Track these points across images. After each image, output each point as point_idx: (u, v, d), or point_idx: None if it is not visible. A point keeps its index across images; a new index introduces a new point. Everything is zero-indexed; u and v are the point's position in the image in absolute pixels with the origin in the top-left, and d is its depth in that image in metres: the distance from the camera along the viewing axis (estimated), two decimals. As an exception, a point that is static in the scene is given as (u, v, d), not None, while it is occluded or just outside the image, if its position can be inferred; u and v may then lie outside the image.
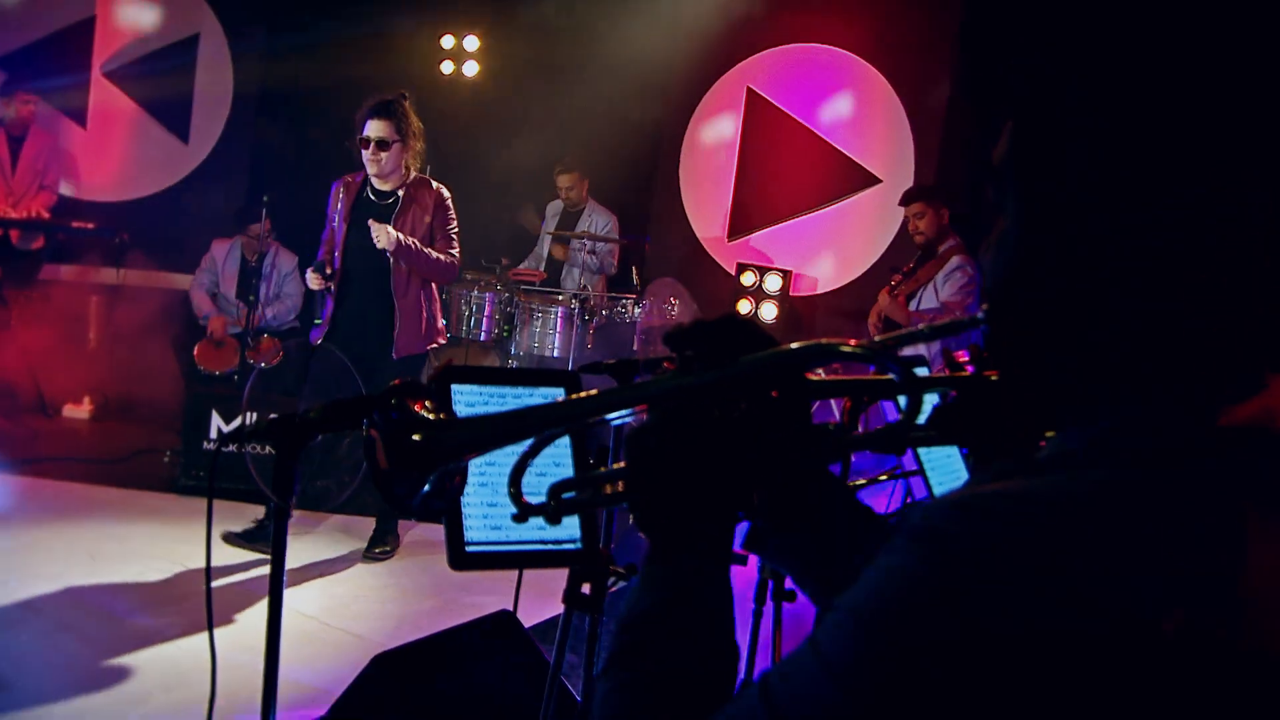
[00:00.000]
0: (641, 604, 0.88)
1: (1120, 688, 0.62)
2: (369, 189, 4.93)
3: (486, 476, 1.68)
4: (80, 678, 3.44)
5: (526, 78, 8.44)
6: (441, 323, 5.18)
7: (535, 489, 0.99)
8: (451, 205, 5.05)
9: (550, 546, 1.73)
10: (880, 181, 7.48)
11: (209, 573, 1.92)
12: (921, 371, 1.64)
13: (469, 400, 1.69)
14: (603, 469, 1.08)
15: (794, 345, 0.89)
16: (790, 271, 7.40)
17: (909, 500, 3.15)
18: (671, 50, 8.13)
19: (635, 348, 6.74)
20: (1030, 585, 0.64)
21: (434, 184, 5.03)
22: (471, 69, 8.78)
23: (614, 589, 1.92)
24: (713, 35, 7.89)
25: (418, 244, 4.84)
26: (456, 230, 5.06)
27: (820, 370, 0.99)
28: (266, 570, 1.70)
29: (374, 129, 4.76)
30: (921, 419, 1.05)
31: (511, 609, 2.72)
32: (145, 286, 7.94)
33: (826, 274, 7.74)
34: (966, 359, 1.20)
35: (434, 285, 5.10)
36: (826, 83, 7.69)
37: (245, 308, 6.83)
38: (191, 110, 8.57)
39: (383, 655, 2.59)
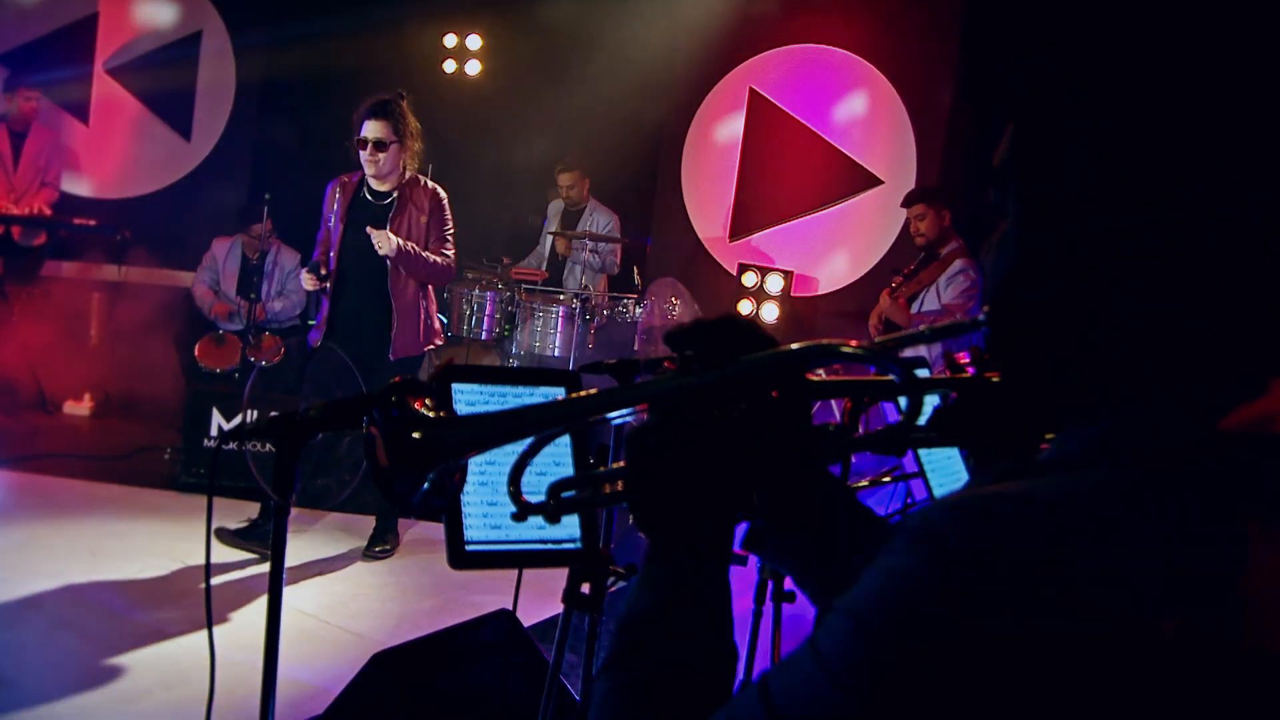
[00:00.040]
0: (641, 604, 0.88)
1: (1121, 688, 0.62)
2: (366, 189, 4.91)
3: (487, 475, 1.68)
4: (80, 674, 3.44)
5: (529, 77, 8.44)
6: (438, 324, 5.17)
7: (535, 488, 0.99)
8: (448, 205, 5.02)
9: (550, 546, 1.73)
10: (882, 183, 7.48)
11: (209, 570, 1.92)
12: (922, 373, 1.64)
13: (469, 399, 1.69)
14: (602, 468, 1.08)
15: (794, 346, 0.89)
16: (792, 272, 7.39)
17: (909, 502, 3.15)
18: (674, 50, 8.14)
19: (636, 347, 6.74)
20: (1030, 586, 0.64)
21: (429, 184, 5.01)
22: (474, 68, 8.78)
23: (613, 589, 1.92)
24: (715, 35, 7.89)
25: (416, 248, 4.83)
26: (452, 231, 5.03)
27: (821, 371, 0.99)
28: (266, 568, 1.70)
29: (371, 129, 4.74)
30: (922, 420, 1.05)
31: (511, 608, 2.73)
32: (147, 284, 7.95)
33: (828, 275, 7.74)
34: (967, 360, 1.19)
35: (430, 286, 5.09)
36: (829, 83, 7.68)
37: (247, 305, 6.83)
38: (194, 107, 8.58)
39: (382, 654, 2.59)
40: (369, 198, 4.90)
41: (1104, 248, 0.73)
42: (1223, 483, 0.68)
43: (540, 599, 3.96)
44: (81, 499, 5.41)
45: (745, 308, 7.29)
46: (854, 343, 0.87)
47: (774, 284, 7.30)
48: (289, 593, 3.50)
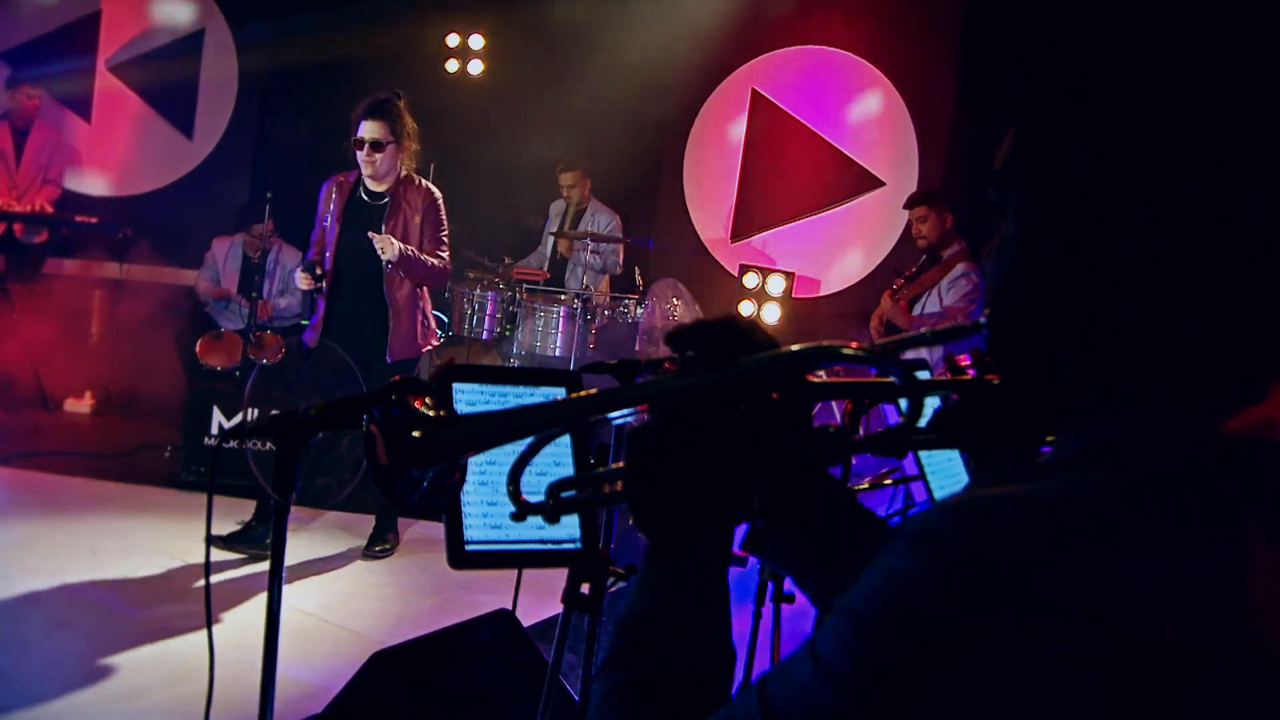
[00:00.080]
0: (641, 604, 0.88)
1: (1121, 690, 0.62)
2: (362, 189, 4.89)
3: (487, 475, 1.68)
4: (79, 672, 3.44)
5: (531, 76, 8.45)
6: (434, 324, 5.16)
7: (535, 488, 0.99)
8: (443, 206, 5.00)
9: (550, 546, 1.73)
10: (884, 184, 7.48)
11: (209, 569, 1.93)
12: (923, 375, 1.64)
13: (470, 399, 1.69)
14: (602, 469, 1.08)
15: (795, 347, 0.89)
16: (793, 274, 7.39)
17: (910, 503, 3.15)
18: (677, 51, 8.14)
19: (637, 348, 6.74)
20: (1030, 588, 0.63)
21: (424, 183, 4.98)
22: (476, 67, 8.79)
23: (613, 589, 1.92)
24: (718, 36, 7.89)
25: (416, 252, 4.82)
26: (447, 233, 5.02)
27: (822, 372, 0.99)
28: (266, 566, 1.70)
29: (368, 130, 4.71)
30: (922, 422, 1.05)
31: (511, 608, 2.72)
32: (148, 281, 7.96)
33: (829, 276, 7.74)
34: (968, 362, 1.19)
35: (425, 287, 5.08)
36: (832, 85, 7.69)
37: (248, 304, 6.83)
38: (196, 105, 8.59)
39: (381, 653, 2.59)
40: (365, 198, 4.88)
41: (1104, 248, 0.73)
42: (1223, 483, 0.68)
43: (540, 599, 3.96)
44: (82, 497, 5.41)
45: (746, 309, 7.28)
46: (855, 345, 0.87)
47: (775, 285, 7.29)
48: (288, 591, 3.50)
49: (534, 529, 1.69)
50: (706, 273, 8.01)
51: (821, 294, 7.74)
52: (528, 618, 3.18)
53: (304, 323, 5.19)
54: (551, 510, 0.99)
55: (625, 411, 0.92)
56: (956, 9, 7.06)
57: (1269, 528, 0.66)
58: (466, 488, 1.56)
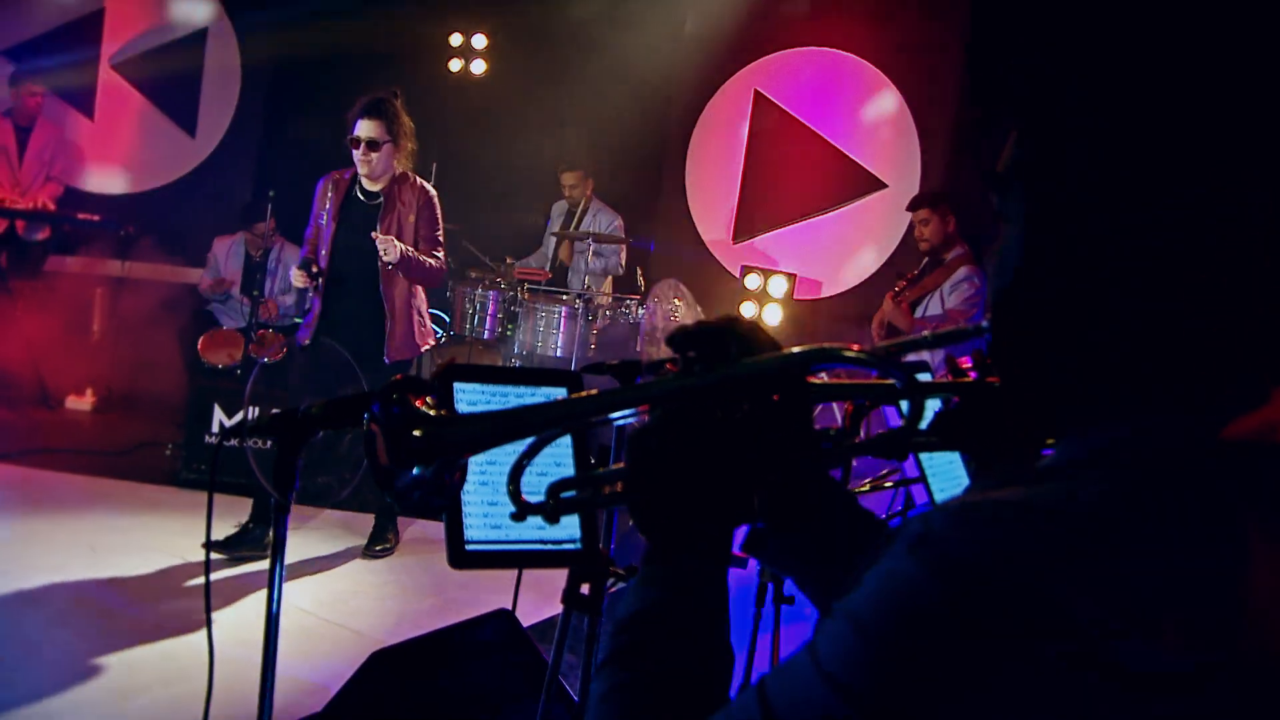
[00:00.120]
0: (640, 603, 0.88)
1: (1121, 693, 0.62)
2: (358, 188, 4.88)
3: (487, 475, 1.68)
4: (78, 670, 3.44)
5: (533, 77, 8.44)
6: (429, 324, 5.16)
7: (536, 488, 0.99)
8: (438, 205, 4.99)
9: (550, 547, 1.72)
10: (886, 186, 7.48)
11: (209, 567, 1.93)
12: (924, 377, 1.64)
13: (471, 399, 1.69)
14: (603, 469, 1.08)
15: (797, 349, 0.89)
16: (795, 275, 7.39)
17: (910, 505, 3.14)
18: (679, 52, 8.14)
19: (638, 348, 6.74)
20: (1031, 589, 0.63)
21: (419, 182, 4.96)
22: (479, 67, 8.79)
23: (613, 590, 1.92)
24: (720, 38, 7.89)
25: (415, 253, 4.82)
26: (442, 233, 5.02)
27: (823, 374, 0.99)
28: (265, 565, 1.70)
29: (364, 129, 4.71)
30: (924, 424, 1.05)
31: (511, 608, 2.73)
32: (150, 279, 7.96)
33: (831, 278, 7.74)
34: (970, 365, 1.20)
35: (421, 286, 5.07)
36: (834, 86, 7.68)
37: (249, 302, 6.84)
38: (199, 103, 8.59)
39: (381, 652, 2.60)
40: (361, 197, 4.88)
41: (1104, 248, 0.73)
42: (1223, 483, 0.68)
43: (540, 599, 3.96)
44: (82, 494, 5.41)
45: (748, 310, 7.28)
46: (856, 347, 0.87)
47: (777, 287, 7.29)
48: (288, 590, 3.51)
49: (534, 529, 1.69)
50: (708, 273, 8.01)
51: (823, 296, 7.73)
52: (528, 618, 3.19)
53: (297, 320, 5.18)
54: (552, 510, 0.99)
55: (626, 412, 0.92)
56: (962, 12, 7.05)
57: (1269, 528, 0.65)
58: (467, 487, 1.56)
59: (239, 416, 5.76)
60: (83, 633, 3.74)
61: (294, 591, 4.37)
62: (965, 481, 2.55)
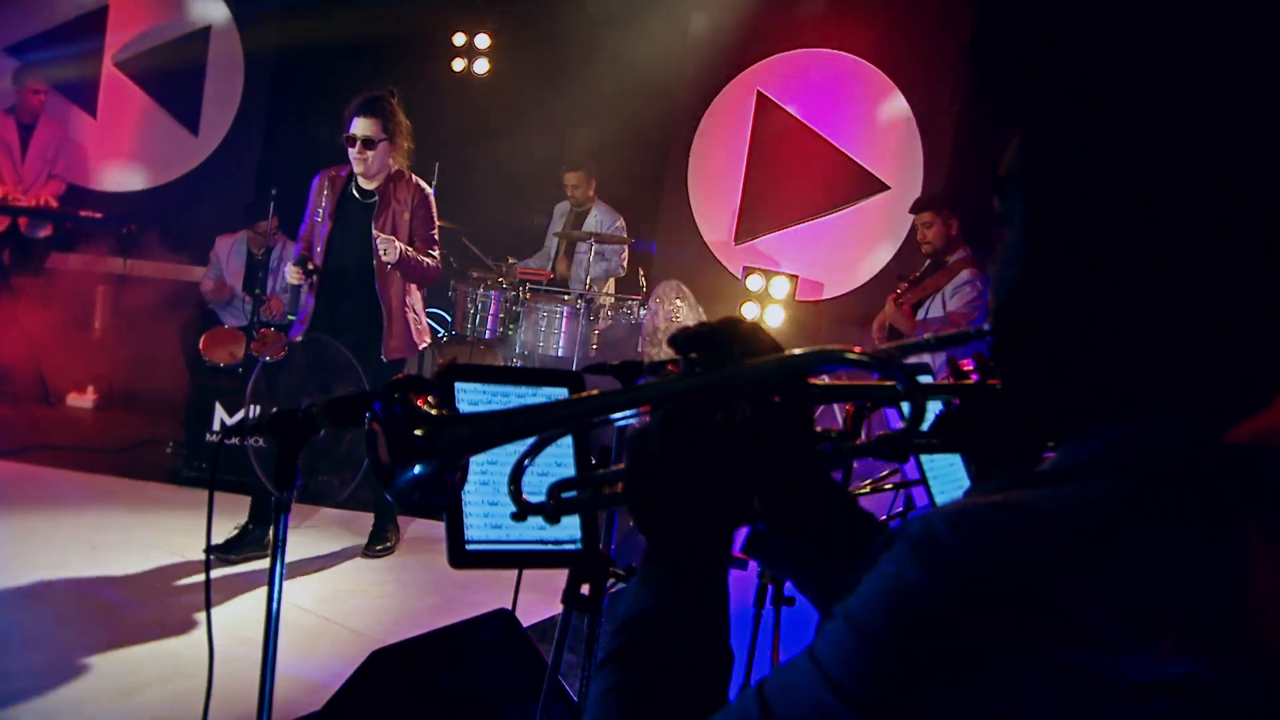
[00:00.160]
0: (640, 603, 0.88)
1: (1122, 693, 0.62)
2: (354, 186, 4.87)
3: (488, 475, 1.67)
4: (78, 667, 3.44)
5: (537, 77, 8.45)
6: (425, 322, 5.16)
7: (537, 488, 0.99)
8: (433, 203, 4.98)
9: (550, 547, 1.72)
10: (889, 188, 7.48)
11: (209, 565, 1.93)
12: (925, 379, 1.64)
13: (472, 398, 1.69)
14: (603, 470, 1.08)
15: (798, 350, 0.89)
16: (797, 276, 7.39)
17: (910, 507, 3.14)
18: (682, 53, 8.15)
19: (640, 349, 6.74)
20: (1031, 590, 0.63)
21: (414, 179, 4.95)
22: (482, 66, 8.79)
23: (613, 590, 1.92)
24: (723, 38, 7.90)
25: (413, 252, 4.82)
26: (437, 231, 5.01)
27: (825, 376, 0.99)
28: (265, 564, 1.70)
29: (360, 127, 4.70)
30: (925, 426, 1.05)
31: (511, 608, 2.72)
32: (152, 277, 7.96)
33: (833, 279, 7.74)
34: (971, 367, 1.19)
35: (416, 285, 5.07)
36: (837, 88, 7.68)
37: (251, 300, 6.83)
38: (202, 102, 8.60)
39: (380, 651, 2.59)
40: (356, 195, 4.87)
41: (1104, 248, 0.73)
42: (1223, 483, 0.68)
43: (540, 599, 3.96)
44: (82, 491, 5.41)
45: (750, 311, 7.28)
46: (858, 349, 0.87)
47: (779, 288, 7.28)
48: (288, 588, 3.51)
49: (534, 529, 1.69)
50: (710, 274, 8.01)
51: (825, 297, 7.73)
52: (528, 618, 3.18)
53: (291, 317, 5.17)
54: (552, 511, 0.99)
55: (627, 413, 0.92)
56: (965, 14, 7.05)
57: (1269, 528, 0.66)
58: (467, 487, 1.56)
59: (240, 415, 5.76)
60: (83, 630, 3.73)
61: (294, 590, 4.37)
62: (966, 484, 2.54)
